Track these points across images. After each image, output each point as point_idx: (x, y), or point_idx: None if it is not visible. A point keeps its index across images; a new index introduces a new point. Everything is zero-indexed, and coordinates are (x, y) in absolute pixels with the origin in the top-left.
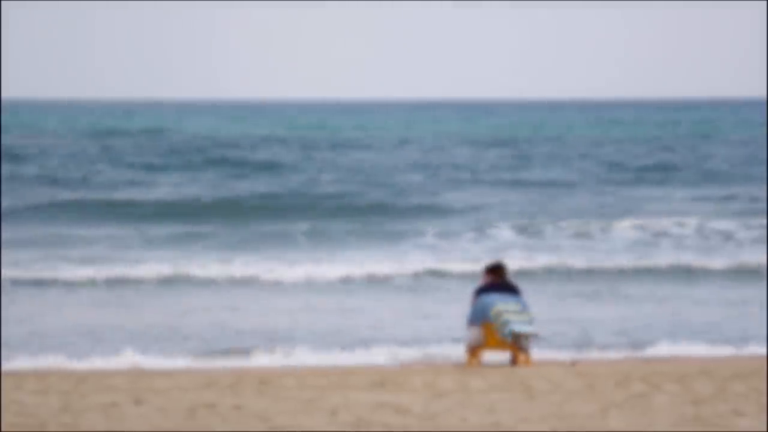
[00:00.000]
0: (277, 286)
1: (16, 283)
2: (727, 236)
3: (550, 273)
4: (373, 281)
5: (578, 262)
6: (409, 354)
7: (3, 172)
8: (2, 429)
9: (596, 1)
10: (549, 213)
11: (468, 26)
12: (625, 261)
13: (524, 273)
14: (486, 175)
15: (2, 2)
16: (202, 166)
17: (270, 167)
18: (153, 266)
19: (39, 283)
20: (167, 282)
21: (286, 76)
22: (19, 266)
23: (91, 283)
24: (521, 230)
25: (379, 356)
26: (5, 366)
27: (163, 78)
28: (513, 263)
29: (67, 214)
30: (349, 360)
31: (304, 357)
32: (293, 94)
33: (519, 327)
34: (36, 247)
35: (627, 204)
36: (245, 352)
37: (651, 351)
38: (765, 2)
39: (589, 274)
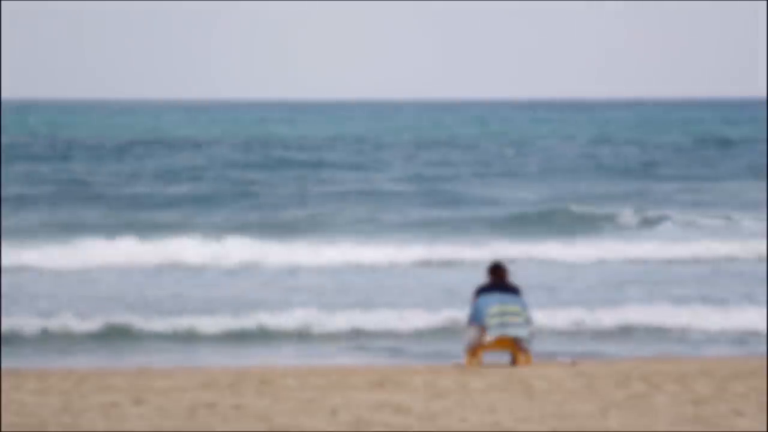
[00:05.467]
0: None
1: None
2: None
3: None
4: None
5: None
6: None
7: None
8: (2, 429)
9: (596, 0)
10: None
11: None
12: None
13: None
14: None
15: (2, 2)
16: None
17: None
18: None
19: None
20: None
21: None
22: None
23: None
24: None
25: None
26: (5, 366)
27: (163, 78)
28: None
29: None
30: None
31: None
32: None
33: (516, 329)
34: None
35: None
36: None
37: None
38: (765, 2)
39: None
